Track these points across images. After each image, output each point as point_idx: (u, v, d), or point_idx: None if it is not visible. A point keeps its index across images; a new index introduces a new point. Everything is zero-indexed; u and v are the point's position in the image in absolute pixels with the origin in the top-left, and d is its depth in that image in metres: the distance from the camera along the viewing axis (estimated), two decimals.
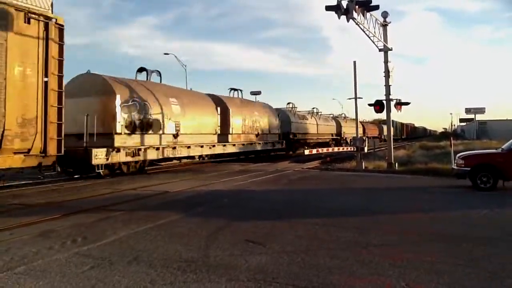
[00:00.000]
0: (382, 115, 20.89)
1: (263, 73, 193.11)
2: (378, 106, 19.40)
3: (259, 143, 26.23)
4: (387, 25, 19.07)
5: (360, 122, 52.95)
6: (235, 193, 11.68)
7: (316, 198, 11.08)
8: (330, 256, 5.43)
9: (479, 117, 78.46)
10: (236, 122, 23.84)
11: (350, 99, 21.66)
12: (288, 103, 35.15)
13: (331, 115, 45.88)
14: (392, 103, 19.23)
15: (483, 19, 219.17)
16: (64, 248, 5.87)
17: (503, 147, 12.86)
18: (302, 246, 5.99)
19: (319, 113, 40.63)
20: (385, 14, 18.92)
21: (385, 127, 58.39)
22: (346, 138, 45.13)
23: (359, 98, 21.02)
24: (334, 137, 43.34)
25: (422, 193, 11.92)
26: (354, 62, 20.49)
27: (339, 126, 45.36)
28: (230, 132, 23.11)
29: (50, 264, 5.17)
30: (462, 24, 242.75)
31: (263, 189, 12.49)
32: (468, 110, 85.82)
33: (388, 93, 19.06)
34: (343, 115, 50.76)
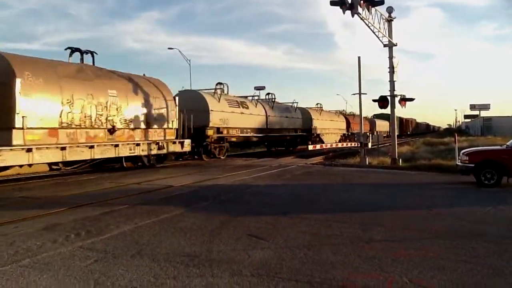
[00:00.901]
0: (373, 110, 20.72)
1: (267, 68, 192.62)
2: (382, 101, 19.33)
3: (113, 145, 15.03)
4: (392, 20, 18.94)
5: (344, 114, 46.71)
6: (239, 187, 11.70)
7: (319, 193, 11.07)
8: (332, 252, 5.44)
9: (484, 113, 78.34)
10: (42, 106, 12.68)
11: (354, 94, 21.52)
12: (218, 84, 23.93)
13: (294, 104, 34.40)
14: (397, 99, 19.16)
15: (487, 15, 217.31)
16: (68, 242, 5.91)
17: (507, 143, 12.79)
18: (305, 241, 6.00)
19: (272, 100, 30.38)
20: (390, 9, 18.80)
21: (378, 122, 54.59)
22: (319, 134, 36.62)
23: (363, 93, 20.96)
24: (299, 133, 33.68)
25: (426, 189, 11.89)
26: (359, 58, 20.50)
27: (307, 120, 35.27)
28: (19, 126, 11.94)
29: (54, 257, 5.21)
30: (466, 20, 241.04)
31: (267, 184, 12.50)
32: (472, 107, 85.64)
33: (392, 88, 18.98)
34: (318, 105, 40.68)
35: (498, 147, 13.50)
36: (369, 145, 20.16)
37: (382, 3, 17.12)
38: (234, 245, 5.78)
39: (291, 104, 34.08)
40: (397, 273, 4.63)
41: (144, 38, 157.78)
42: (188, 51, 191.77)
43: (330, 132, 39.87)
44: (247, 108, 25.84)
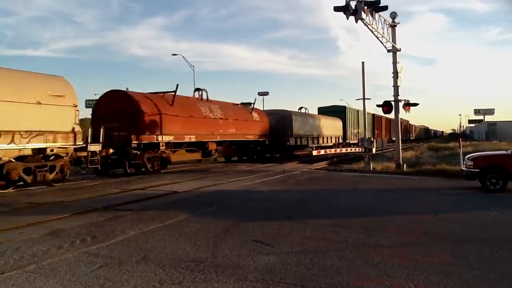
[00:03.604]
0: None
1: (272, 74, 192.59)
2: (386, 107, 19.33)
3: None
4: (396, 25, 18.97)
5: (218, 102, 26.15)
6: (243, 193, 11.69)
7: (324, 198, 11.05)
8: (338, 257, 5.42)
9: (488, 118, 77.96)
10: None
11: (358, 99, 21.56)
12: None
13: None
14: (401, 104, 19.14)
15: (490, 20, 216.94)
16: (73, 247, 5.92)
17: None
18: (310, 246, 5.98)
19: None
20: (393, 15, 18.81)
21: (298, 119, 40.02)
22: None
23: (367, 99, 20.96)
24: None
25: (431, 194, 11.83)
26: (363, 63, 20.53)
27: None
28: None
29: (60, 263, 5.22)
30: (470, 25, 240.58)
31: (271, 190, 12.48)
32: (477, 111, 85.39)
33: (396, 93, 18.97)
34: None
35: (503, 152, 13.42)
36: (373, 150, 20.12)
37: (385, 8, 17.15)
38: (239, 250, 5.77)
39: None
40: (403, 278, 4.61)
41: (149, 45, 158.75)
42: (193, 57, 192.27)
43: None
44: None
